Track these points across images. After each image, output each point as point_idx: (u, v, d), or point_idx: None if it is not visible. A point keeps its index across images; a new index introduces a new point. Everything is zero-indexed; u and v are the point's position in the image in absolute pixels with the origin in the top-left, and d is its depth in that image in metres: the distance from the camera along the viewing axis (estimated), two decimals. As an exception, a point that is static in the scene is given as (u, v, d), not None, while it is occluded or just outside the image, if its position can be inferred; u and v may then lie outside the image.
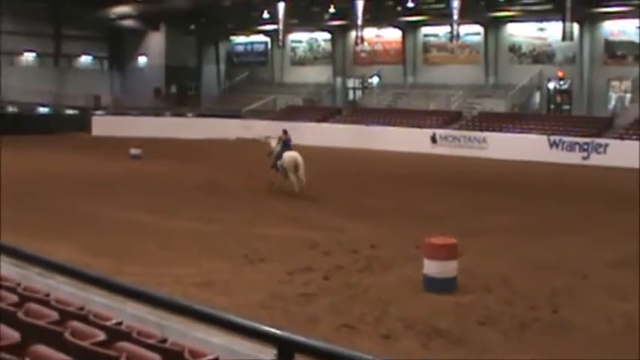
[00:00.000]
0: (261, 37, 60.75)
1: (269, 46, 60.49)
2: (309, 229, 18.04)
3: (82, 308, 5.84)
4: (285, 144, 25.07)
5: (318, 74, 56.83)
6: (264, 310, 11.09)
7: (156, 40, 61.27)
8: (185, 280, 12.64)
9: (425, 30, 51.96)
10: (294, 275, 13.32)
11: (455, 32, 46.24)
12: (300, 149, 25.27)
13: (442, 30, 49.41)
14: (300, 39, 58.95)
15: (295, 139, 46.00)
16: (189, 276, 12.92)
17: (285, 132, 25.93)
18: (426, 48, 52.13)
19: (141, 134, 43.13)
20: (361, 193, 25.32)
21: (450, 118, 45.80)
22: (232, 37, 62.89)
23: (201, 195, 23.86)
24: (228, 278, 12.97)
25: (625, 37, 43.67)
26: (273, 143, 25.66)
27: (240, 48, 63.25)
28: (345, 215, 20.27)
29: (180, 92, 61.72)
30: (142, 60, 62.66)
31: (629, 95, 43.73)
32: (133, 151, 35.93)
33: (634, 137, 37.96)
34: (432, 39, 51.83)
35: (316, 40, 58.20)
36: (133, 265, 13.45)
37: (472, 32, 49.14)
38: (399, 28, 52.06)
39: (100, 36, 62.16)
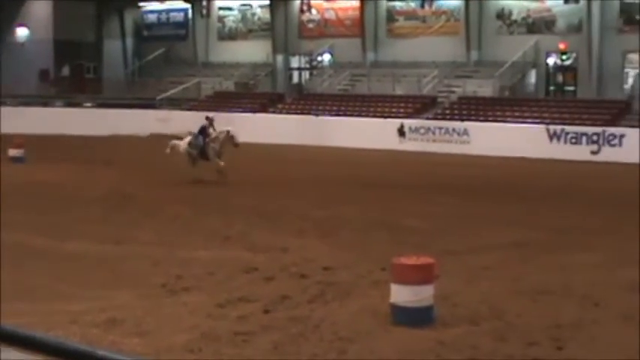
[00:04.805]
0: (180, 4, 60.66)
1: (190, 15, 60.35)
2: (246, 249, 18.01)
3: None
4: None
5: (253, 51, 56.88)
6: (191, 355, 11.02)
7: (40, 6, 60.72)
8: (84, 318, 12.51)
9: (389, -7, 52.33)
10: (227, 308, 13.27)
11: (428, -5, 46.66)
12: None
13: (411, -8, 49.88)
14: (230, 6, 58.96)
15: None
16: (91, 313, 12.80)
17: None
18: (391, 16, 52.49)
19: (23, 130, 42.63)
20: (311, 202, 25.32)
21: (422, 105, 46.16)
22: (142, 4, 62.66)
23: (107, 209, 23.64)
24: (141, 315, 12.87)
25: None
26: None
27: (153, 18, 63.08)
28: (290, 231, 20.26)
29: (74, 75, 61.29)
30: (21, 32, 61.95)
31: (650, 72, 44.38)
32: (13, 152, 35.52)
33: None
34: (397, 4, 52.22)
35: (250, 7, 58.29)
36: (14, 301, 13.25)
37: (449, -5, 49.63)
38: (357, -10, 52.35)
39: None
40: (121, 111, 51.20)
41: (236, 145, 29.42)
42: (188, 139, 29.91)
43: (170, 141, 30.79)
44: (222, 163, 29.12)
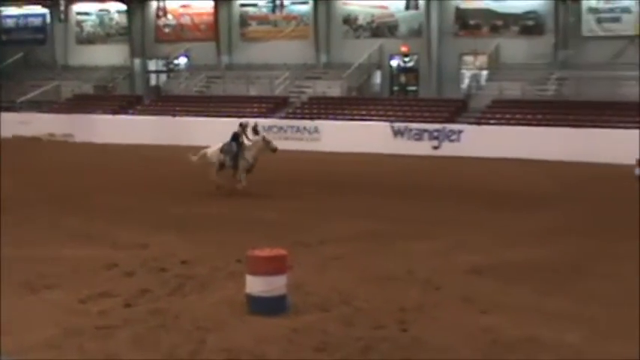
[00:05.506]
0: (38, 9, 59.34)
1: (48, 19, 59.12)
2: (106, 246, 17.81)
3: None
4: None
5: (111, 55, 56.09)
6: (53, 350, 10.86)
7: None
8: (-52, 317, 12.22)
9: (242, -3, 52.34)
10: (89, 303, 13.13)
11: (278, 0, 46.78)
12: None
13: (263, -3, 50.03)
14: (88, 10, 58.03)
15: (86, 136, 45.24)
16: (-46, 312, 12.50)
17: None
18: (244, 20, 52.46)
19: None
20: (169, 199, 25.20)
21: (275, 105, 46.33)
22: (-1, 9, 61.09)
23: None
24: (3, 313, 12.62)
25: (479, 4, 45.48)
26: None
27: (10, 22, 61.48)
28: (149, 228, 20.10)
29: None
30: None
31: (485, 72, 45.61)
32: None
33: (492, 122, 39.66)
34: (250, 9, 52.21)
35: (108, 12, 57.45)
36: None
37: (299, 0, 49.90)
38: (211, -5, 52.19)
39: None
40: (-19, 114, 49.86)
41: (274, 150, 26.49)
42: (219, 146, 27.00)
43: (199, 151, 27.59)
44: (244, 184, 26.46)
